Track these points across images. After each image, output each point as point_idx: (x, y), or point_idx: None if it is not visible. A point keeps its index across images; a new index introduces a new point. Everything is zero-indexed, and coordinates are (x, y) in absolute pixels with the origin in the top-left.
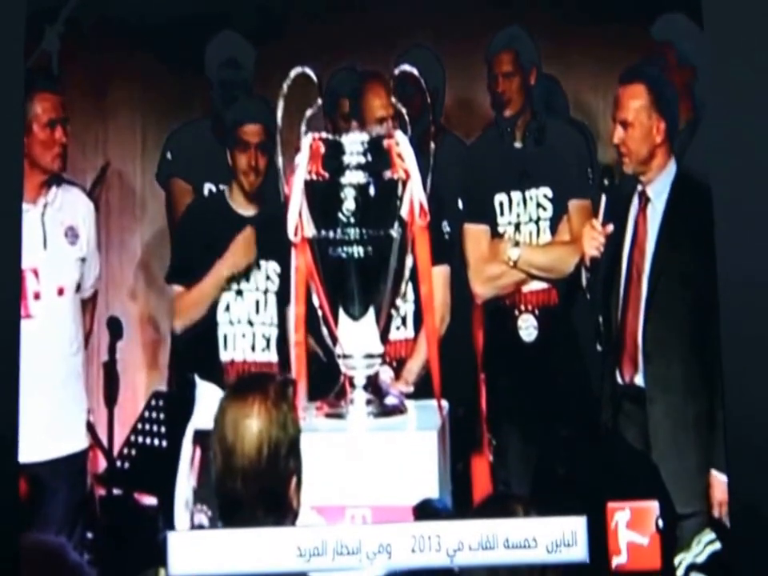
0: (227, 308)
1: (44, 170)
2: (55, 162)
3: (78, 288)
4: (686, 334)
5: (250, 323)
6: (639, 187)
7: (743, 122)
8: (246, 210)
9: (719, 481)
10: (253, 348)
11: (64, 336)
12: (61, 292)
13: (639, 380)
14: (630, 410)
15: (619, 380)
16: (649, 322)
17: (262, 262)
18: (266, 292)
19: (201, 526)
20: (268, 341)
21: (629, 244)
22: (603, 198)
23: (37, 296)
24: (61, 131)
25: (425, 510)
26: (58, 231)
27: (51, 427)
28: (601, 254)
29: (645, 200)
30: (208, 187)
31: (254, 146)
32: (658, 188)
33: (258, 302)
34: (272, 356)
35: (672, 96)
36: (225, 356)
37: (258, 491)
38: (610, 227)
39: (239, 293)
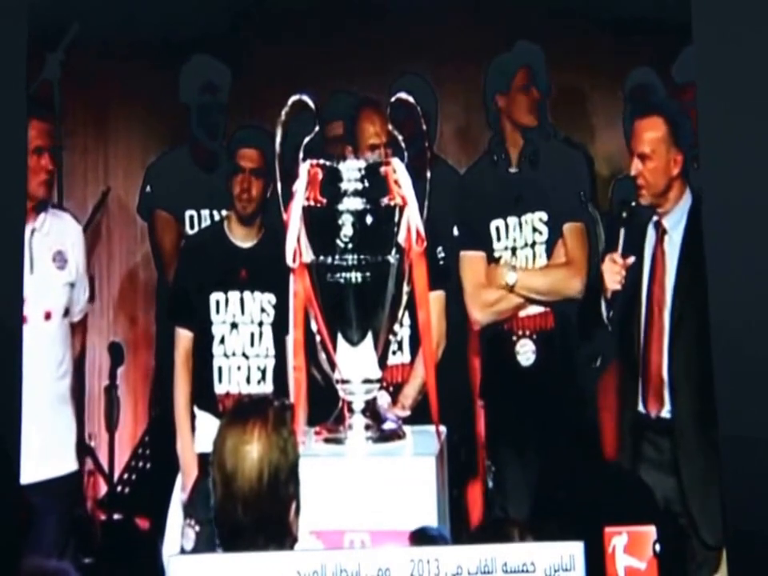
0: (222, 341)
1: (30, 196)
2: (41, 188)
3: (67, 312)
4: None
5: (245, 356)
6: (655, 217)
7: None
8: (244, 242)
9: None
10: (248, 380)
11: (51, 360)
12: (48, 316)
13: (665, 413)
14: (657, 442)
15: (642, 411)
16: (674, 355)
17: (257, 294)
18: (260, 324)
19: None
20: (263, 372)
21: (647, 276)
22: (622, 231)
23: (24, 320)
24: (48, 159)
25: (421, 538)
26: (46, 256)
27: (40, 449)
28: (623, 286)
29: (661, 231)
30: (189, 214)
31: (247, 171)
32: (675, 219)
33: (252, 335)
34: (267, 387)
35: (689, 129)
36: (220, 388)
37: (258, 517)
38: (631, 259)
39: (234, 326)
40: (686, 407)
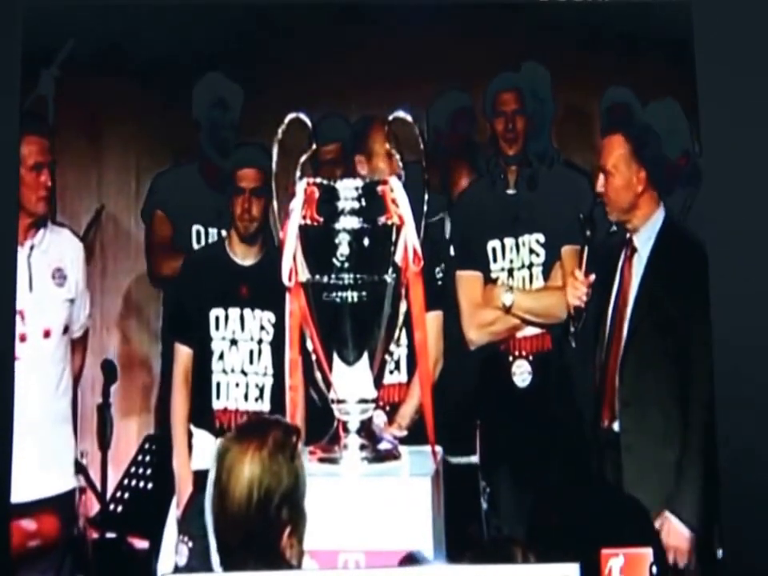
0: (221, 357)
1: (29, 212)
2: (40, 204)
3: (66, 329)
4: (662, 384)
5: (244, 373)
6: (627, 235)
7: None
8: (245, 260)
9: (673, 526)
10: (246, 397)
11: (50, 377)
12: (47, 334)
13: (617, 426)
14: (610, 455)
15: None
16: (625, 368)
17: (257, 312)
18: (260, 342)
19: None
20: (261, 390)
21: (615, 292)
22: (585, 248)
23: (23, 338)
24: (47, 175)
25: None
26: (45, 273)
27: (39, 467)
28: (584, 303)
29: (631, 249)
30: (196, 228)
31: (247, 191)
32: (644, 237)
33: (251, 352)
34: (265, 405)
35: (655, 144)
36: (218, 404)
37: (244, 537)
38: (592, 277)
39: (233, 342)
40: (633, 421)
